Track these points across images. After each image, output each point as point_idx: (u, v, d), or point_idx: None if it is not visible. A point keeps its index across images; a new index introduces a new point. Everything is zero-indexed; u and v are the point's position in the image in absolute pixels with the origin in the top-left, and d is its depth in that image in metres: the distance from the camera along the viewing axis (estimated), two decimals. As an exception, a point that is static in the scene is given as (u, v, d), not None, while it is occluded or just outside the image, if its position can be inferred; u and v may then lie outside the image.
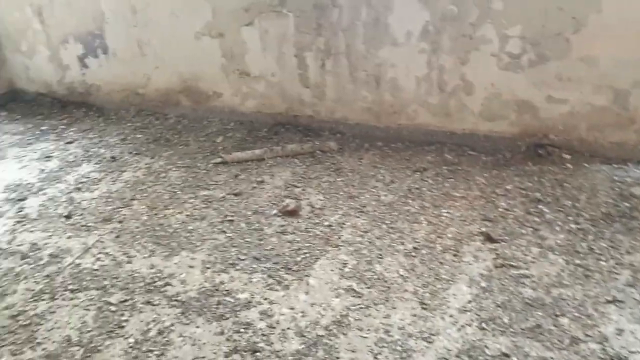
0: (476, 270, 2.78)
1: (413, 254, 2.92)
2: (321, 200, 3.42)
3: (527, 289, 2.61)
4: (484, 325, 2.42)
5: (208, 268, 2.89)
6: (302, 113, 4.30)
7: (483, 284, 2.67)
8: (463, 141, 3.93)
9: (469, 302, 2.57)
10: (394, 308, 2.57)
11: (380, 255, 2.92)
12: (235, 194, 3.55)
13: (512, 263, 2.79)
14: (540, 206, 3.23)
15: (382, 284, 2.71)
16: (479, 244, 2.97)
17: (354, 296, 2.64)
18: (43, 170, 3.99)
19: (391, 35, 3.82)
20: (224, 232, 3.19)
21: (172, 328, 2.50)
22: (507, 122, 3.77)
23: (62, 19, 4.79)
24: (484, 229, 3.07)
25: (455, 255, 2.90)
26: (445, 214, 3.23)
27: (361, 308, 2.57)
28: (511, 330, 2.38)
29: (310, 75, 4.13)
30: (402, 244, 3.00)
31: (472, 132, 3.90)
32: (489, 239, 2.99)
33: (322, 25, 3.95)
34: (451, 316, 2.50)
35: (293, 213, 3.28)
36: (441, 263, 2.84)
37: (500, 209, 3.23)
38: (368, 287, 2.70)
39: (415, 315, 2.51)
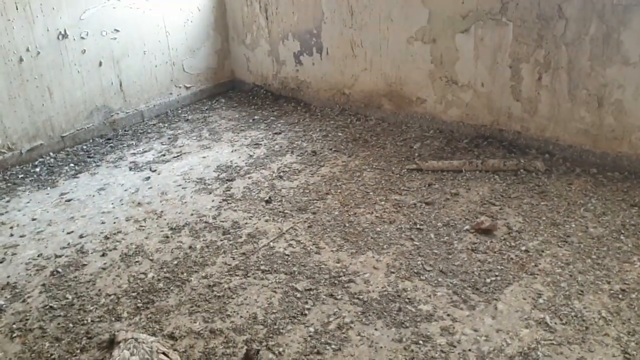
0: (699, 329, 2.39)
1: (620, 296, 2.60)
2: (520, 222, 3.19)
3: None
4: None
5: (392, 273, 2.85)
6: (508, 127, 4.07)
7: None
8: (696, 179, 3.42)
9: (687, 364, 2.22)
10: (591, 351, 2.31)
11: (581, 291, 2.64)
12: (427, 203, 3.47)
13: None
14: None
15: (579, 323, 2.46)
16: None
17: (545, 330, 2.43)
18: (251, 156, 4.28)
19: (623, 53, 3.45)
20: (412, 239, 3.12)
21: (352, 325, 2.51)
22: None
23: (285, 17, 5.10)
24: None
25: (673, 306, 2.52)
26: (664, 258, 2.84)
27: (553, 344, 2.35)
28: None
29: (523, 88, 3.89)
30: (608, 283, 2.69)
31: None
32: None
33: (544, 37, 3.69)
34: (662, 376, 2.17)
35: (487, 232, 3.11)
36: (654, 313, 2.50)
37: None
38: (563, 324, 2.46)
39: (616, 365, 2.23)
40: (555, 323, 2.46)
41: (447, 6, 4.06)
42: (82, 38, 4.44)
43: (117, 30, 4.66)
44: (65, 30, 4.32)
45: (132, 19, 4.75)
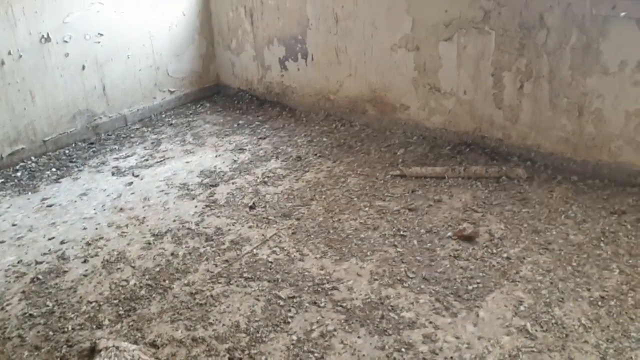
0: (676, 336, 2.43)
1: (599, 303, 2.64)
2: (502, 229, 3.22)
3: None
4: (681, 402, 2.10)
5: (376, 280, 2.86)
6: (490, 135, 4.11)
7: (684, 354, 2.33)
8: (674, 188, 3.47)
9: (664, 371, 2.25)
10: (571, 358, 2.34)
11: (562, 298, 2.67)
12: (410, 209, 3.49)
13: None
14: None
15: (559, 330, 2.49)
16: (682, 307, 2.59)
17: (526, 337, 2.46)
18: (235, 161, 4.27)
19: (602, 63, 3.50)
20: (395, 246, 3.14)
21: (335, 333, 2.52)
22: None
23: (270, 22, 5.11)
24: (691, 291, 2.67)
25: (650, 313, 2.56)
26: (643, 266, 2.88)
27: (533, 352, 2.38)
28: None
29: (505, 96, 3.93)
30: (588, 290, 2.72)
31: (687, 179, 3.43)
32: (696, 303, 2.60)
33: (526, 46, 3.74)
34: (639, 382, 2.20)
35: (470, 238, 3.13)
36: (632, 319, 2.53)
37: None
38: (543, 331, 2.48)
39: (595, 372, 2.26)
40: (536, 330, 2.49)
41: (430, 14, 4.09)
42: (65, 42, 4.41)
43: (101, 34, 4.63)
44: (48, 34, 4.28)
45: (116, 23, 4.72)
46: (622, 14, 3.33)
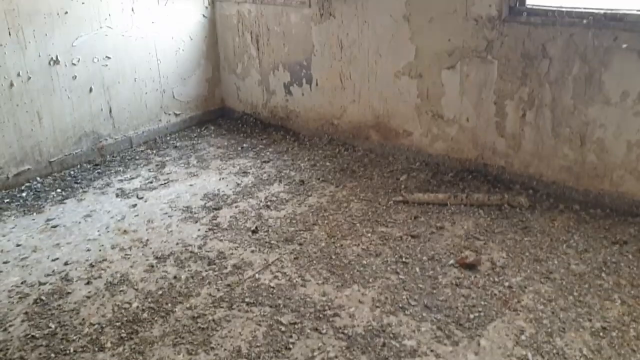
0: (678, 369, 2.42)
1: (601, 334, 2.64)
2: (504, 258, 3.23)
3: None
4: None
5: (377, 307, 2.87)
6: (492, 162, 4.14)
7: (686, 388, 2.32)
8: (676, 218, 3.49)
9: (666, 404, 2.25)
10: (572, 390, 2.34)
11: (563, 328, 2.67)
12: (413, 236, 3.50)
13: None
14: None
15: (560, 361, 2.49)
16: (684, 339, 2.59)
17: (527, 368, 2.45)
18: (239, 184, 4.30)
19: (604, 93, 3.54)
20: (397, 273, 3.15)
21: (336, 361, 2.52)
22: None
23: (276, 48, 5.18)
24: (693, 323, 2.67)
25: (652, 345, 2.56)
26: (645, 297, 2.88)
27: (534, 382, 2.38)
28: None
29: (507, 124, 3.97)
30: (590, 320, 2.72)
31: (689, 210, 3.45)
32: (698, 335, 2.59)
33: (528, 75, 3.78)
34: (641, 416, 2.20)
35: (472, 266, 3.14)
36: (633, 350, 2.53)
37: None
38: (545, 361, 2.49)
39: (597, 405, 2.26)
40: (537, 360, 2.50)
41: (433, 43, 4.15)
42: (74, 64, 4.47)
43: (109, 57, 4.69)
44: (56, 56, 4.35)
45: (123, 47, 4.79)
46: (624, 45, 3.38)
